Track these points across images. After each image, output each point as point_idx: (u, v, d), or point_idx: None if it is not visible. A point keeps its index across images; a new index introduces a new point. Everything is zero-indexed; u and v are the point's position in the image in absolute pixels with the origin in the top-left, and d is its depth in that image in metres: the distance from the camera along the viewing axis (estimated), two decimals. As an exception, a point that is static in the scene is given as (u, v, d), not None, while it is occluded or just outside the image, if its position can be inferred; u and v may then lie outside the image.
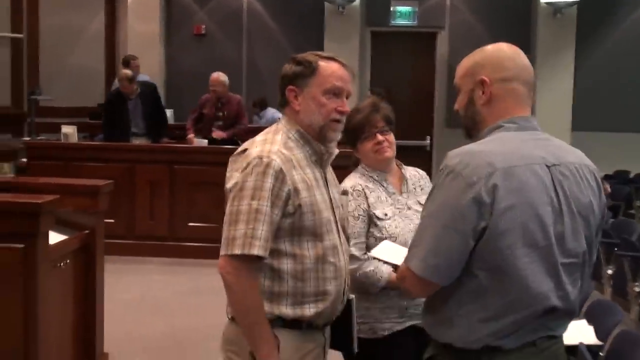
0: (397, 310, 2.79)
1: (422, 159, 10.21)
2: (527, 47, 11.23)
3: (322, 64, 2.32)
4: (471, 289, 1.95)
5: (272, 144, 2.28)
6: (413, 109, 11.11)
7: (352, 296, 2.46)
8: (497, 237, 1.89)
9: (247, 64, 11.46)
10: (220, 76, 8.58)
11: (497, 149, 1.96)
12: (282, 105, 2.41)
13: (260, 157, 2.22)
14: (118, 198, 6.43)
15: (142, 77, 9.38)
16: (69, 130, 8.33)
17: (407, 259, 2.03)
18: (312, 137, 2.34)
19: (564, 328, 2.09)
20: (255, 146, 2.28)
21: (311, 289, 2.29)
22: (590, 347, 3.19)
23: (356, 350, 2.51)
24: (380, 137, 2.82)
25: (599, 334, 3.39)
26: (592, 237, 2.03)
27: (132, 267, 7.05)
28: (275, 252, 2.24)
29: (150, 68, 10.57)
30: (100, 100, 11.37)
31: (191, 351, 5.13)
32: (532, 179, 1.92)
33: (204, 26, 11.69)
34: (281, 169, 2.21)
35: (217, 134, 8.50)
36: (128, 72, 8.61)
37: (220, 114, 8.70)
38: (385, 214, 2.77)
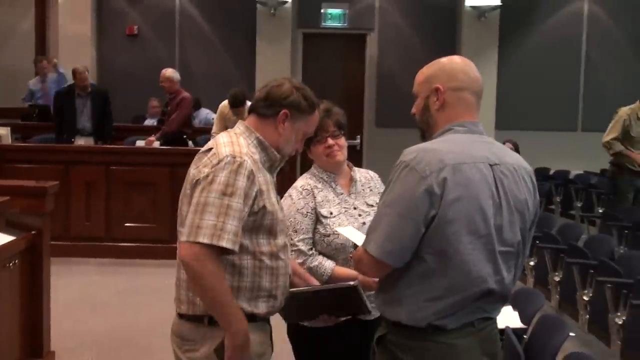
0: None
1: (352, 158, 10.37)
2: (453, 48, 11.59)
3: (316, 111, 2.57)
4: (419, 271, 2.19)
5: (240, 146, 2.40)
6: (343, 108, 10.99)
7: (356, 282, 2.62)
8: (444, 225, 2.13)
9: (179, 64, 11.46)
10: (166, 72, 8.81)
11: (447, 147, 2.22)
12: (260, 115, 2.51)
13: (234, 157, 2.33)
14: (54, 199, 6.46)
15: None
16: (2, 132, 8.28)
17: (365, 243, 2.27)
18: (273, 149, 2.50)
19: (498, 311, 2.33)
20: (224, 146, 2.39)
21: (267, 284, 2.44)
22: (515, 330, 3.47)
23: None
24: (331, 142, 3.01)
25: (523, 318, 3.68)
26: (526, 230, 2.29)
27: (69, 268, 7.05)
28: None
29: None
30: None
31: (134, 347, 5.23)
32: (477, 175, 2.18)
33: (136, 27, 11.65)
34: (252, 170, 2.35)
35: (149, 140, 8.62)
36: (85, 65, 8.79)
37: (165, 109, 8.87)
38: (331, 213, 2.96)
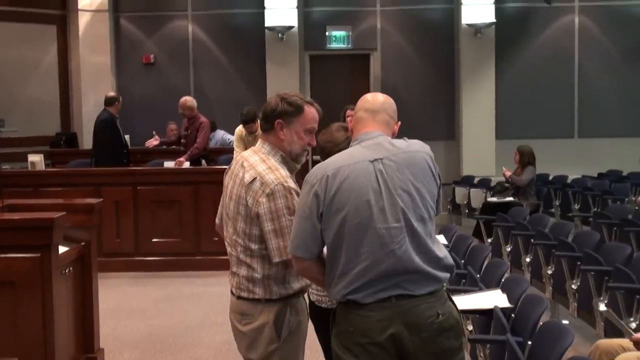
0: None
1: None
2: (452, 64, 12.20)
3: (306, 108, 3.12)
4: (328, 257, 2.85)
5: (277, 169, 3.04)
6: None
7: None
8: (331, 216, 2.78)
9: (194, 90, 12.09)
10: (186, 100, 9.60)
11: (335, 158, 2.89)
12: (266, 130, 3.15)
13: (282, 184, 2.98)
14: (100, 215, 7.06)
15: None
16: (35, 159, 8.94)
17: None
18: (290, 159, 3.14)
19: (424, 289, 2.77)
20: (266, 174, 3.01)
21: None
22: (503, 309, 4.06)
23: None
24: None
25: (510, 300, 4.28)
26: (419, 203, 2.79)
27: (103, 282, 7.45)
28: None
29: (103, 97, 11.12)
30: (57, 129, 11.94)
31: (171, 346, 5.83)
32: (355, 172, 2.80)
33: (152, 55, 12.27)
34: (295, 188, 3.02)
35: (179, 161, 9.33)
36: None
37: (185, 133, 9.61)
38: None
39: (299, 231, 2.84)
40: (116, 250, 8.36)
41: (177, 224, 8.41)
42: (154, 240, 8.43)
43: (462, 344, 2.92)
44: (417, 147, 2.92)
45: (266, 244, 3.00)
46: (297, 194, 2.99)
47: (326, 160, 2.93)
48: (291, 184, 3.02)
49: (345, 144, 3.62)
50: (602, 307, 5.18)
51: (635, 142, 11.81)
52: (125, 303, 7.09)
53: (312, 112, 3.14)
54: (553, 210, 10.51)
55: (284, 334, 3.06)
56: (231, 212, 3.12)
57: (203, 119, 9.64)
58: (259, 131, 8.92)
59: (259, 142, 3.20)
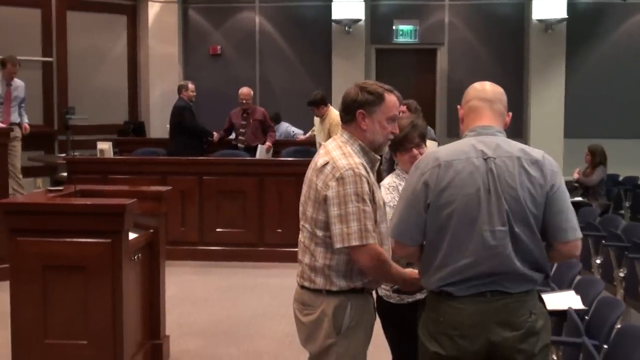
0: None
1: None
2: (521, 60, 12.00)
3: (387, 96, 3.03)
4: (426, 247, 2.79)
5: (351, 156, 2.96)
6: (416, 120, 11.79)
7: None
8: (438, 209, 2.72)
9: (260, 81, 12.18)
10: (250, 91, 9.84)
11: (447, 149, 2.81)
12: (347, 122, 3.07)
13: (352, 169, 2.89)
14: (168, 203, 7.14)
15: None
16: (104, 147, 9.09)
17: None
18: (370, 149, 3.05)
19: (520, 288, 2.71)
20: (339, 159, 2.94)
21: None
22: (577, 311, 3.95)
23: None
24: (415, 152, 3.61)
25: (585, 302, 4.15)
26: (525, 209, 2.69)
27: (168, 270, 7.60)
28: None
29: (171, 86, 11.28)
30: (125, 118, 12.13)
31: (234, 335, 5.84)
32: (468, 167, 2.71)
33: (219, 47, 12.40)
34: (368, 177, 2.94)
35: (267, 145, 9.69)
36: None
37: (245, 122, 9.69)
38: None
39: (405, 217, 2.80)
40: (181, 238, 8.41)
41: (241, 214, 8.43)
42: (218, 230, 8.45)
43: (550, 344, 2.85)
44: (534, 155, 2.78)
45: (330, 229, 2.92)
46: (368, 182, 2.93)
47: (439, 148, 2.87)
48: (362, 170, 2.92)
49: (409, 128, 3.61)
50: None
51: None
52: (189, 291, 7.14)
53: (392, 100, 3.05)
54: (623, 211, 10.23)
55: (343, 329, 2.98)
56: (303, 197, 3.07)
57: (260, 108, 10.10)
58: (328, 115, 9.12)
59: (340, 131, 3.14)
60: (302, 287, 3.09)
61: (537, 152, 2.80)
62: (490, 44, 12.10)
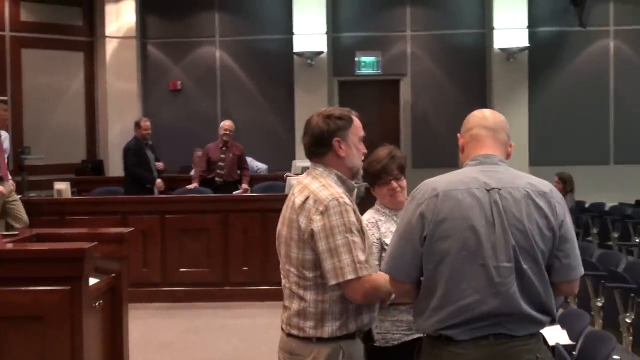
0: (405, 323, 3.35)
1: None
2: (483, 89, 12.00)
3: (353, 117, 2.93)
4: (423, 285, 2.58)
5: (331, 186, 2.81)
6: (380, 151, 11.72)
7: None
8: (435, 242, 2.52)
9: (222, 116, 11.92)
10: (232, 123, 9.71)
11: (446, 178, 2.62)
12: (321, 155, 2.89)
13: (336, 199, 2.75)
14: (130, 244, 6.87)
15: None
16: (62, 187, 8.76)
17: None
18: (347, 177, 2.90)
19: (525, 331, 2.51)
20: (319, 191, 2.80)
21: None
22: (565, 347, 3.78)
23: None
24: (394, 184, 3.43)
25: (571, 336, 3.99)
26: (533, 244, 2.51)
27: (130, 313, 7.38)
28: None
29: (130, 123, 10.98)
30: (83, 156, 11.83)
31: (203, 382, 5.60)
32: (469, 199, 2.53)
33: (179, 82, 12.22)
34: (353, 206, 2.79)
35: (244, 187, 9.47)
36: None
37: (224, 155, 9.46)
38: None
39: (399, 252, 2.60)
40: (143, 280, 8.13)
41: (205, 253, 8.19)
42: (181, 270, 8.19)
43: None
44: (538, 184, 2.63)
45: (321, 266, 2.75)
46: (354, 211, 2.78)
47: (436, 178, 2.66)
48: (346, 199, 2.79)
49: (387, 159, 3.43)
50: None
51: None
52: (152, 335, 6.86)
53: (357, 120, 2.97)
54: (591, 238, 10.18)
55: None
56: (283, 238, 2.88)
57: (237, 144, 9.83)
58: None
59: (310, 166, 2.98)
60: (289, 335, 2.89)
61: (544, 184, 2.64)
62: (453, 73, 12.10)
